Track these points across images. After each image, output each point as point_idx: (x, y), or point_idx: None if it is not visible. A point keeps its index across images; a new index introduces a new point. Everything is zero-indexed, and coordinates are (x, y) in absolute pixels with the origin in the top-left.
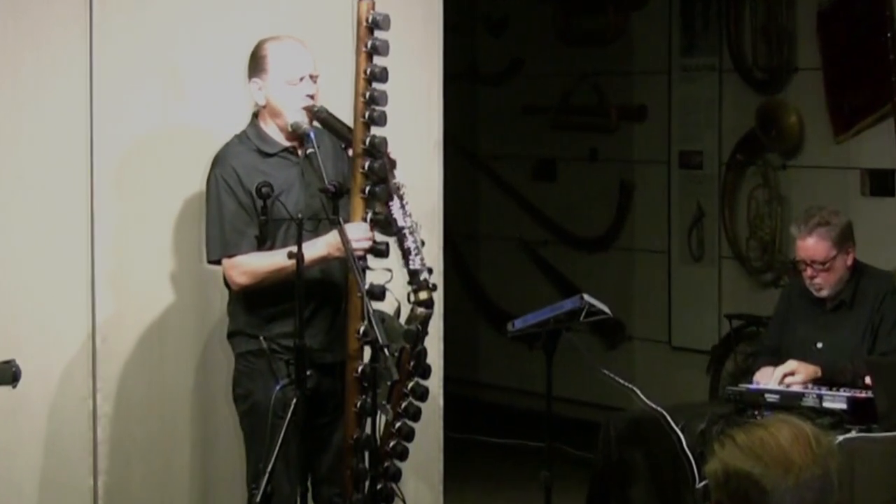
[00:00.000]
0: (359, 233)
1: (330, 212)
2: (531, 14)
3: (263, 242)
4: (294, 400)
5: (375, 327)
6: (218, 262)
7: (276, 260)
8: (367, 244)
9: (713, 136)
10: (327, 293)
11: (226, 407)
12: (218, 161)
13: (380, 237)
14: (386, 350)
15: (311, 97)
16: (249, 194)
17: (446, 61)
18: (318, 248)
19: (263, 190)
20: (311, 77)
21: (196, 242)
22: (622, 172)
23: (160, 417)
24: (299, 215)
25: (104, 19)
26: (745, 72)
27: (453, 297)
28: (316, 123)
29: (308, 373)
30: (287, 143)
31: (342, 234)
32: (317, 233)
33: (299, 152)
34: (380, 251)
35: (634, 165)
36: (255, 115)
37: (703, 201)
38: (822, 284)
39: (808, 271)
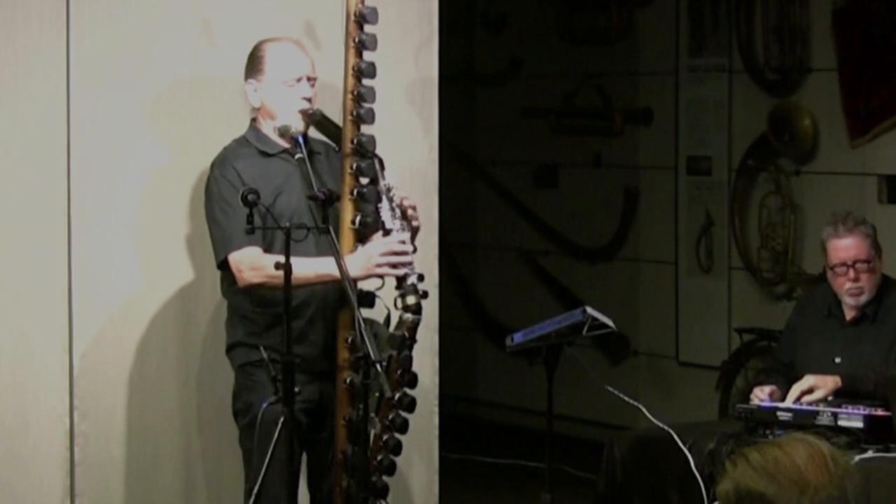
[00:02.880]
0: (387, 246)
1: (319, 220)
2: (531, 12)
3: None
4: (282, 418)
5: (367, 342)
6: (227, 266)
7: (300, 268)
8: (394, 260)
9: (723, 140)
10: (326, 298)
11: (211, 425)
12: (218, 162)
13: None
14: (378, 366)
15: (308, 100)
16: (253, 193)
17: (442, 62)
18: (353, 267)
19: (249, 198)
20: (308, 79)
21: (179, 253)
22: (627, 179)
23: (141, 436)
24: (287, 224)
25: (82, 19)
26: (757, 73)
27: (449, 310)
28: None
29: (297, 389)
30: (286, 144)
31: (333, 245)
32: (317, 242)
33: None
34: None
35: (640, 171)
36: (253, 121)
37: (712, 209)
38: (864, 287)
39: (850, 273)
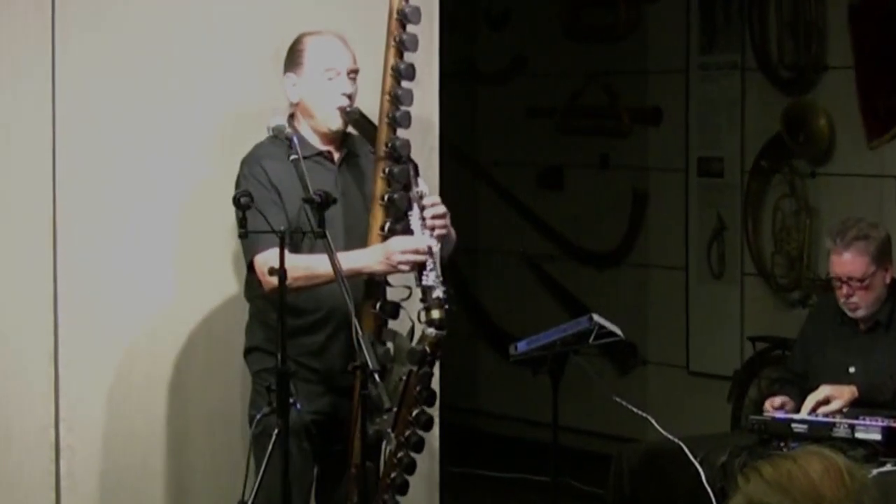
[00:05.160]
0: (409, 244)
1: (315, 224)
2: (535, 7)
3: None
4: (276, 430)
5: (365, 351)
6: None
7: (311, 263)
8: (414, 258)
9: (735, 141)
10: (348, 312)
11: (203, 437)
12: (248, 160)
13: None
14: (375, 376)
15: (349, 96)
16: (279, 194)
17: (443, 59)
18: (360, 260)
19: (242, 200)
20: (349, 74)
21: (168, 258)
22: (635, 181)
23: (130, 449)
24: (281, 228)
25: (67, 17)
26: (771, 71)
27: (451, 318)
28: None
29: (291, 400)
30: (322, 147)
31: (328, 250)
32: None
33: (336, 157)
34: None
35: (649, 173)
36: (291, 117)
37: (724, 212)
38: (858, 303)
39: (844, 289)
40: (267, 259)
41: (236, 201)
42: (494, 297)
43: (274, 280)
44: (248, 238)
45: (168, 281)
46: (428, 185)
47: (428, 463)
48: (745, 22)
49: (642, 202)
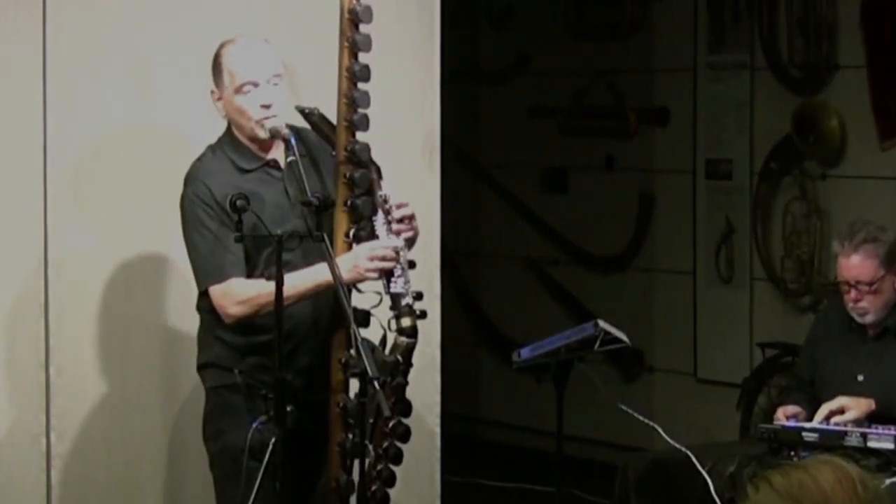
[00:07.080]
0: (375, 250)
1: (313, 227)
2: (539, 4)
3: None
4: (273, 440)
5: (364, 358)
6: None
7: (296, 282)
8: (382, 265)
9: (744, 142)
10: (314, 324)
11: (197, 447)
12: (190, 178)
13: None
14: (376, 383)
15: (268, 107)
16: (227, 213)
17: (444, 57)
18: (326, 272)
19: (238, 203)
20: (270, 81)
21: (163, 262)
22: (642, 183)
23: (122, 459)
24: (278, 232)
25: (58, 8)
26: (780, 70)
27: (452, 324)
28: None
29: (288, 408)
30: (266, 157)
31: (328, 254)
32: (304, 255)
33: (282, 163)
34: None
35: (655, 175)
36: (229, 126)
37: (732, 215)
38: (867, 309)
39: (852, 293)
40: (225, 292)
41: (232, 204)
42: (497, 302)
43: (235, 311)
44: (200, 265)
45: (161, 287)
46: (427, 186)
47: (428, 472)
48: (754, 20)
49: (649, 205)
